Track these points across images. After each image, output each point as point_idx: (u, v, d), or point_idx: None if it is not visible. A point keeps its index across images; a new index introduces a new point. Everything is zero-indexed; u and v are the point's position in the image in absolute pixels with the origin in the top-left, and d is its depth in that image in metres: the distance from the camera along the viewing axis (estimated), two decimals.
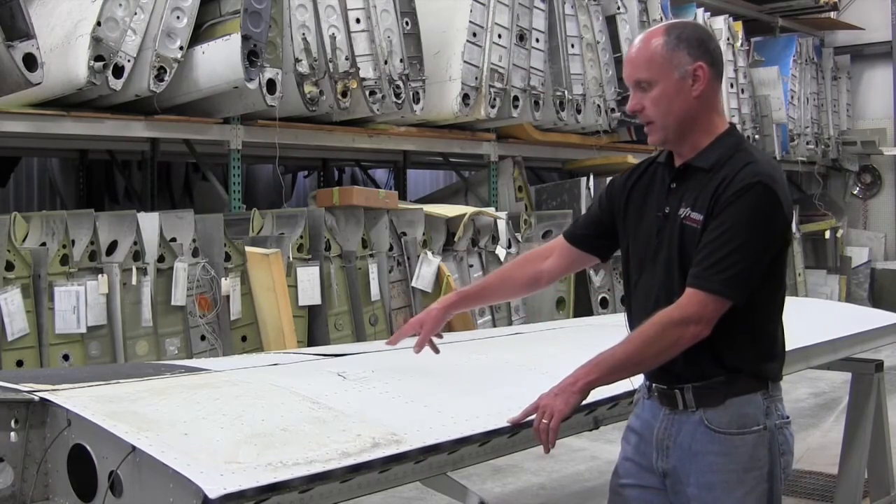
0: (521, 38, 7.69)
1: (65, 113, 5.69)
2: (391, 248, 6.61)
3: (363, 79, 6.59)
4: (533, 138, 8.40)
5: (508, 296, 3.04)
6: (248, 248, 5.78)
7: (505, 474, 5.67)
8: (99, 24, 5.38)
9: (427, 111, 7.20)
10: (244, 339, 5.75)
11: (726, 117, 2.59)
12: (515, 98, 7.67)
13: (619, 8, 8.78)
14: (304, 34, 6.28)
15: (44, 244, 5.10)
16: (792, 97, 11.75)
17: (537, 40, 7.85)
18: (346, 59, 6.51)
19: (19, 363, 4.90)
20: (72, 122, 5.76)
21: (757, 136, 10.96)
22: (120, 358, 5.20)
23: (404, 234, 6.75)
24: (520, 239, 7.52)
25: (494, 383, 2.88)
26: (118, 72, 5.50)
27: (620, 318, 2.68)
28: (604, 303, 7.82)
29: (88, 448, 2.14)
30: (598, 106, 8.54)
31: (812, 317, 4.68)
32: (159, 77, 5.66)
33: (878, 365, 4.27)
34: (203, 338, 5.55)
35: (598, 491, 5.34)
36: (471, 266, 7.18)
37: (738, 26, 10.86)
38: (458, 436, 2.42)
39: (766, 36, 12.54)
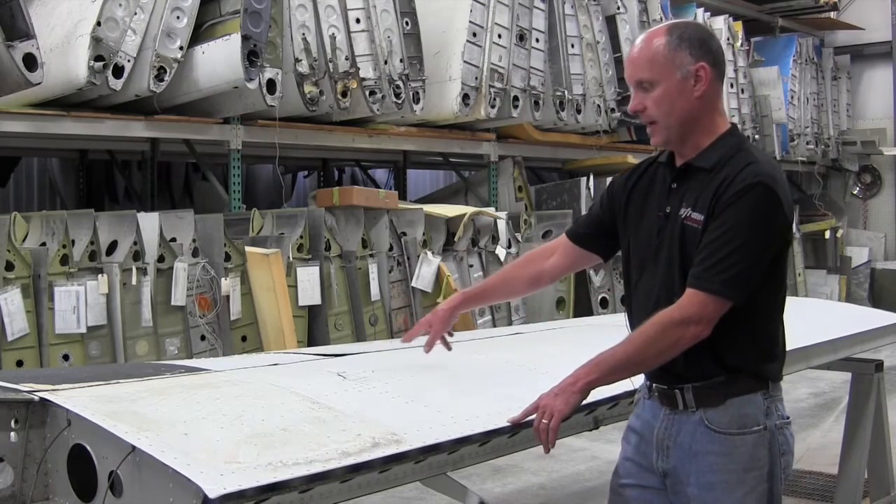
0: (521, 38, 7.69)
1: (65, 113, 5.69)
2: (391, 248, 6.61)
3: (363, 79, 6.59)
4: (533, 138, 8.40)
5: (511, 295, 3.10)
6: (248, 248, 5.78)
7: (505, 474, 5.67)
8: (99, 24, 5.38)
9: (427, 111, 7.20)
10: (244, 339, 5.75)
11: (727, 117, 2.59)
12: (515, 98, 7.67)
13: (619, 8, 8.79)
14: (304, 34, 6.28)
15: (44, 244, 5.10)
16: (792, 97, 11.75)
17: (537, 40, 7.85)
18: (346, 59, 6.51)
19: (19, 363, 4.90)
20: (72, 122, 5.76)
21: (757, 136, 10.97)
22: (120, 358, 5.20)
23: (404, 234, 6.75)
24: (520, 239, 7.52)
25: (494, 383, 2.88)
26: (118, 72, 5.50)
27: (620, 318, 2.68)
28: (604, 303, 7.82)
29: (88, 448, 2.14)
30: (598, 106, 8.54)
31: (812, 317, 4.67)
32: (159, 77, 5.66)
33: (878, 365, 4.27)
34: (203, 338, 5.55)
35: (598, 491, 5.34)
36: (471, 266, 7.18)
37: (738, 26, 10.86)
38: (458, 436, 2.42)
39: (766, 36, 12.54)
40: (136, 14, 5.52)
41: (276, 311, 5.68)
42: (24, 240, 5.10)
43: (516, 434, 2.56)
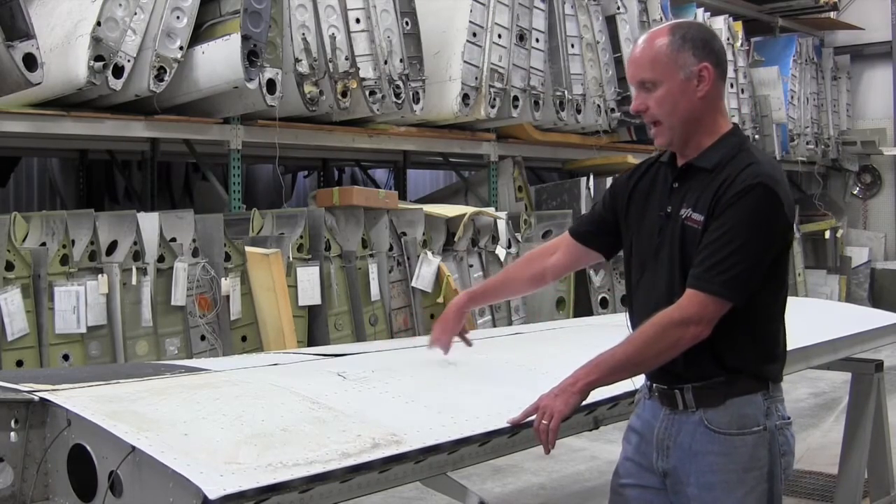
0: (521, 38, 7.69)
1: (65, 113, 5.69)
2: (391, 248, 6.61)
3: (363, 79, 6.59)
4: (533, 138, 8.39)
5: (514, 293, 3.19)
6: (248, 248, 5.77)
7: (505, 474, 5.67)
8: (99, 24, 5.38)
9: (427, 111, 7.20)
10: (244, 339, 5.75)
11: (729, 117, 2.59)
12: (515, 98, 7.67)
13: (619, 8, 8.78)
14: (304, 34, 6.28)
15: (44, 244, 5.10)
16: (792, 97, 11.75)
17: (537, 40, 7.85)
18: (346, 59, 6.51)
19: (19, 363, 4.90)
20: (72, 122, 5.76)
21: (757, 136, 10.97)
22: (120, 358, 5.20)
23: (404, 234, 6.75)
24: (520, 239, 7.52)
25: (494, 383, 2.88)
26: (118, 72, 5.50)
27: (620, 318, 2.68)
28: (604, 303, 7.82)
29: (88, 448, 2.14)
30: (598, 106, 8.54)
31: (812, 317, 4.67)
32: (159, 77, 5.66)
33: (878, 365, 4.27)
34: (203, 338, 5.55)
35: (598, 491, 5.34)
36: (471, 266, 7.18)
37: (738, 26, 10.86)
38: (458, 436, 2.42)
39: (766, 36, 12.54)
40: (136, 14, 5.52)
41: (276, 311, 5.68)
42: (24, 240, 5.10)
43: (516, 434, 2.56)
